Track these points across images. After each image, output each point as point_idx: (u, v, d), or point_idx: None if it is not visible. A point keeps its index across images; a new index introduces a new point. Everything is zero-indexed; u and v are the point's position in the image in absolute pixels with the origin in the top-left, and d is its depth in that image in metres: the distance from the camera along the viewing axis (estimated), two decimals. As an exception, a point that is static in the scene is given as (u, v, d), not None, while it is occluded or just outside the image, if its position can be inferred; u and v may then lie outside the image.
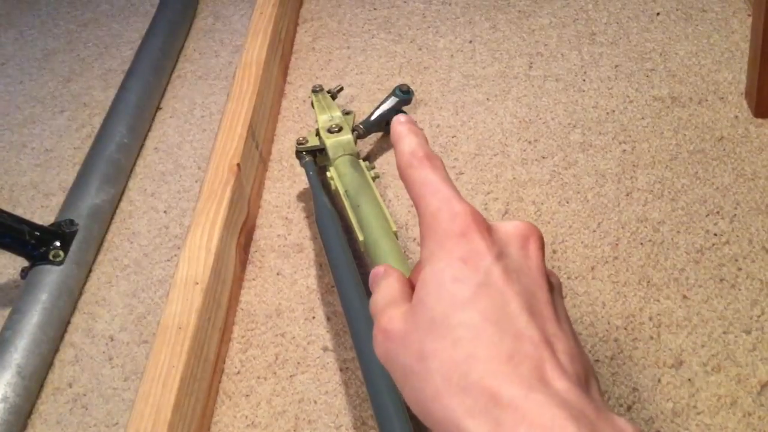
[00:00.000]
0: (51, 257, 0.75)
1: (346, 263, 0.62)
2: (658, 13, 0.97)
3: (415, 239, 0.74)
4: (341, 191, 0.67)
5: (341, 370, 0.64)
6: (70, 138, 0.97)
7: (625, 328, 0.63)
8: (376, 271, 0.40)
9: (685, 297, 0.64)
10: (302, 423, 0.61)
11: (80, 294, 0.76)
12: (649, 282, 0.66)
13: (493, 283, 0.33)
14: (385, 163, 0.83)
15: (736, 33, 0.91)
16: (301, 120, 0.92)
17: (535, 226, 0.37)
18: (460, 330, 0.32)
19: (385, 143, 0.86)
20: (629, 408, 0.58)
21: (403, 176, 0.39)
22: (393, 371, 0.35)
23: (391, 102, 0.84)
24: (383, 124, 0.84)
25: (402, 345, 0.34)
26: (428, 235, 0.36)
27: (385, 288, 0.38)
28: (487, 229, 0.35)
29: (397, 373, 0.34)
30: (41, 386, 0.68)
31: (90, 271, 0.78)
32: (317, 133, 0.76)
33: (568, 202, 0.74)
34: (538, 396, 0.29)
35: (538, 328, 0.32)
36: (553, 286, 0.36)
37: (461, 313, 0.32)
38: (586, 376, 0.32)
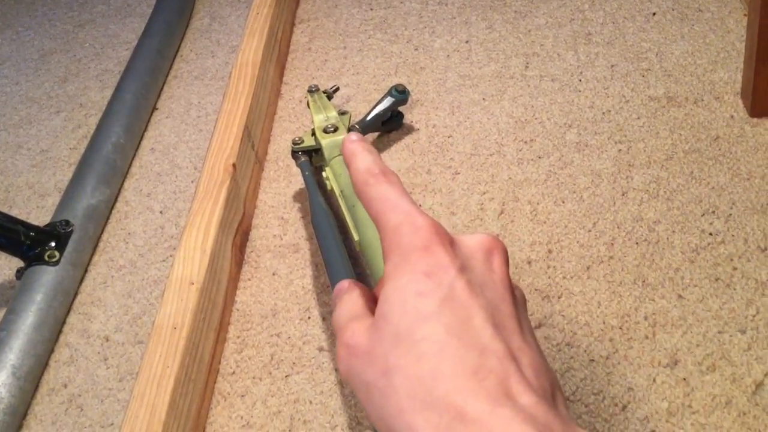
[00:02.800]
0: (46, 258, 0.74)
1: (342, 263, 0.62)
2: (654, 13, 0.97)
3: (410, 239, 0.74)
4: (337, 191, 0.67)
5: (336, 370, 0.64)
6: (66, 138, 0.97)
7: (620, 328, 0.63)
8: (340, 286, 0.40)
9: (680, 296, 0.64)
10: (297, 423, 0.61)
11: (75, 294, 0.76)
12: (644, 281, 0.66)
13: (457, 297, 0.32)
14: (381, 163, 0.83)
15: (732, 33, 0.91)
16: (297, 120, 0.92)
17: (499, 240, 0.36)
18: (424, 345, 0.31)
19: (382, 144, 0.86)
20: (624, 408, 0.58)
21: (360, 194, 0.38)
22: (356, 387, 0.34)
23: (388, 102, 0.84)
24: (379, 124, 0.84)
25: (365, 360, 0.33)
26: (391, 250, 0.35)
27: (348, 302, 0.38)
28: (450, 243, 0.34)
29: (360, 390, 0.33)
30: (36, 387, 0.68)
31: (85, 271, 0.78)
32: (313, 133, 0.76)
33: (563, 202, 0.74)
34: (504, 411, 0.29)
35: (503, 341, 0.32)
36: (518, 300, 0.35)
37: (425, 328, 0.32)
38: (552, 389, 0.32)
